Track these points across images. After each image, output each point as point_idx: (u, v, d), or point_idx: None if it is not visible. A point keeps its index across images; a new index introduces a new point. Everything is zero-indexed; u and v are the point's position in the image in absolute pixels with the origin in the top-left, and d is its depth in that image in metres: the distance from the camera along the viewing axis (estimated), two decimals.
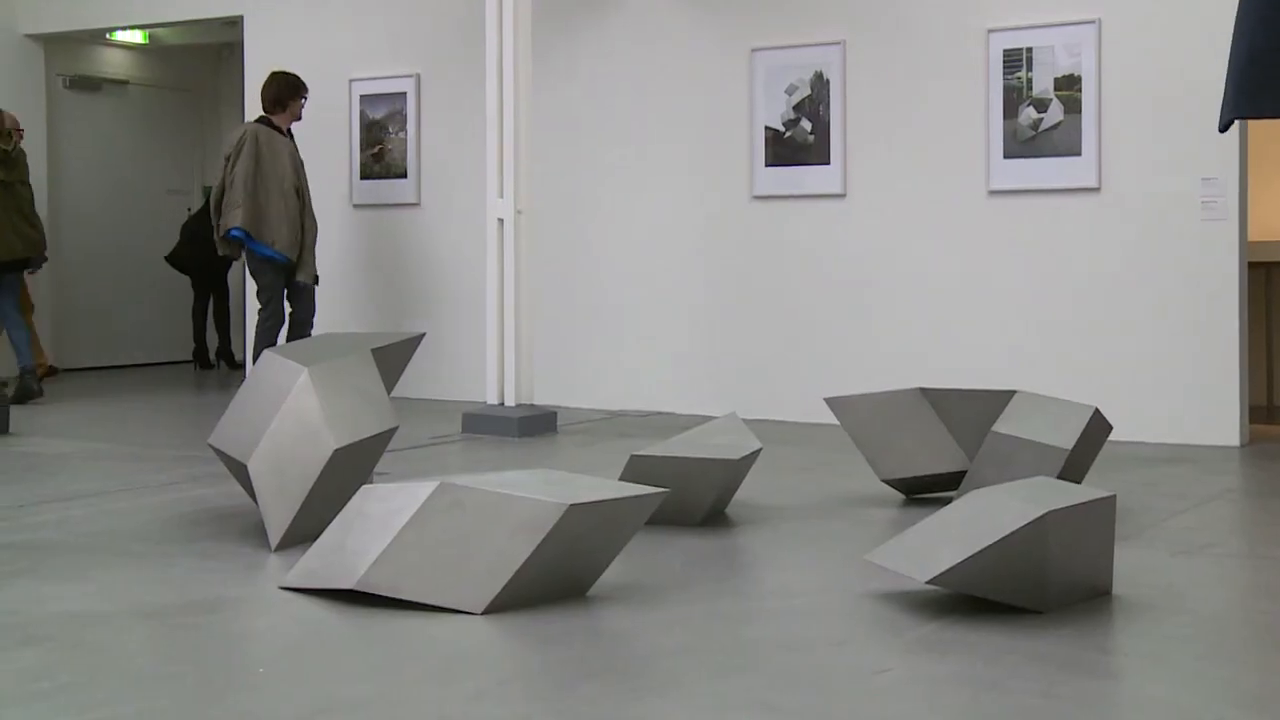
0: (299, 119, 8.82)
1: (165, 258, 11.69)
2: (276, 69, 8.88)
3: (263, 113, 8.73)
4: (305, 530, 4.55)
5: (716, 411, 7.51)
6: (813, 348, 8.15)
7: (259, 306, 8.61)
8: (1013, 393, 5.36)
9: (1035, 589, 3.76)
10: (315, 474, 4.58)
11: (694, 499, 4.97)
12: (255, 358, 8.54)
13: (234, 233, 8.41)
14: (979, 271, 7.71)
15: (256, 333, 8.59)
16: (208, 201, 12.02)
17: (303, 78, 9.16)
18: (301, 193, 8.65)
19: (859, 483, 5.83)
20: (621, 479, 4.74)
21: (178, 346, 12.25)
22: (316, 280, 8.74)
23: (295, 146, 8.75)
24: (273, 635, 3.76)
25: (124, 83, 12.16)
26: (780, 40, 8.24)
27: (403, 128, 9.51)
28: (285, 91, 8.71)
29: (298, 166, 8.66)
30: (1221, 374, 7.14)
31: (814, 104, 8.12)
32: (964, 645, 3.49)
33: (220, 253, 8.70)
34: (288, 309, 8.64)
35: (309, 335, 8.38)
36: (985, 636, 3.55)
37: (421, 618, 3.73)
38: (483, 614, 3.74)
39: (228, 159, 8.53)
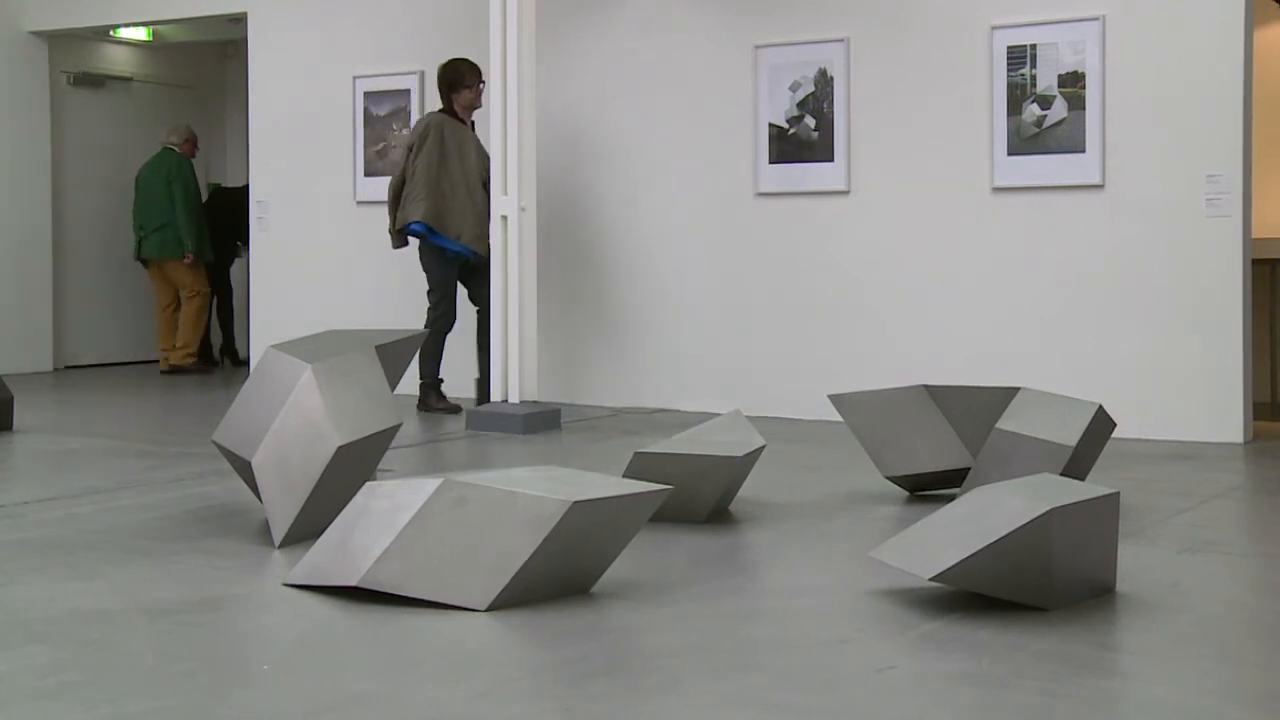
0: (478, 107, 8.38)
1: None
2: (452, 57, 8.46)
3: (441, 105, 8.42)
4: (309, 527, 4.56)
5: (720, 409, 7.51)
6: (816, 345, 8.14)
7: (430, 307, 8.27)
8: (1016, 389, 5.36)
9: (1039, 586, 3.76)
10: (319, 471, 4.58)
11: (698, 496, 4.97)
12: (427, 360, 8.29)
13: (414, 227, 8.16)
14: (982, 268, 7.70)
15: (428, 336, 8.20)
16: (211, 198, 12.07)
17: (300, 74, 9.17)
18: (489, 185, 8.13)
19: (863, 480, 5.83)
20: (625, 476, 4.74)
21: None
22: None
23: (478, 138, 8.40)
24: (277, 632, 3.77)
25: (128, 80, 12.16)
26: (784, 37, 8.23)
27: (406, 125, 9.50)
28: (444, 85, 8.36)
29: (484, 158, 8.26)
30: (1225, 371, 7.14)
31: (818, 101, 8.12)
32: (968, 643, 3.50)
33: (394, 246, 8.43)
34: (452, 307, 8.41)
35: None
36: (989, 634, 3.56)
37: (425, 615, 3.73)
38: (486, 611, 3.74)
39: (409, 150, 8.27)
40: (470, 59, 8.39)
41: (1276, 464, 6.57)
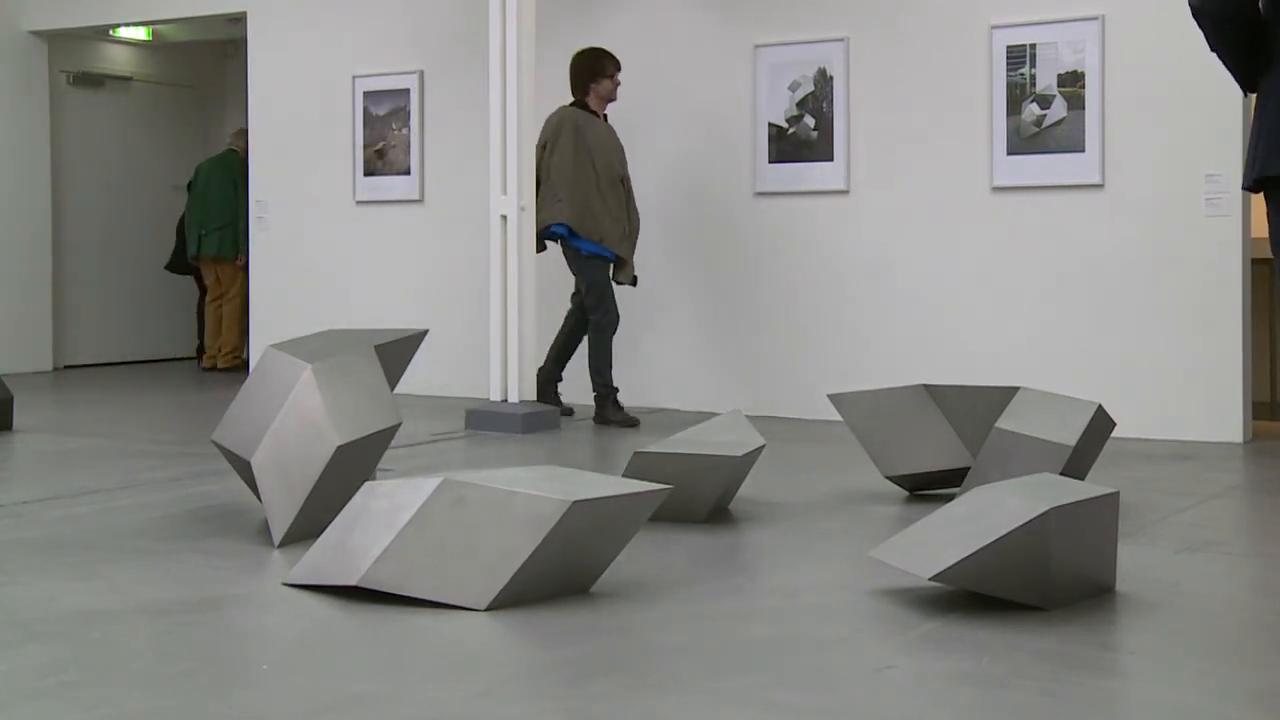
0: (612, 100, 7.97)
1: (165, 267, 11.76)
2: (584, 47, 8.05)
3: (574, 97, 7.94)
4: (309, 527, 4.56)
5: (720, 408, 7.51)
6: (816, 344, 8.15)
7: (590, 311, 7.77)
8: (1016, 389, 5.36)
9: (1038, 586, 3.76)
10: (318, 471, 4.58)
11: (697, 496, 4.97)
12: (599, 370, 7.76)
13: (556, 229, 7.68)
14: (982, 268, 7.70)
15: (592, 339, 7.80)
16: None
17: (300, 74, 9.11)
18: (625, 182, 7.88)
19: (862, 479, 5.83)
20: (625, 476, 4.74)
21: (181, 343, 12.25)
22: (634, 281, 7.93)
23: (614, 131, 7.94)
24: (277, 632, 3.77)
25: (127, 79, 12.16)
26: (784, 36, 8.23)
27: (406, 124, 9.51)
28: (584, 73, 7.89)
29: (620, 153, 7.88)
30: (1224, 370, 7.14)
31: (817, 100, 8.12)
32: (967, 642, 3.50)
33: (534, 251, 7.81)
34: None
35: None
36: (989, 634, 3.56)
37: (425, 614, 3.73)
38: (486, 610, 3.74)
39: (542, 148, 7.79)
40: (606, 49, 8.01)
41: (1276, 464, 6.57)
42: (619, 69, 7.96)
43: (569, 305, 8.11)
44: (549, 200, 7.73)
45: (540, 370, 7.95)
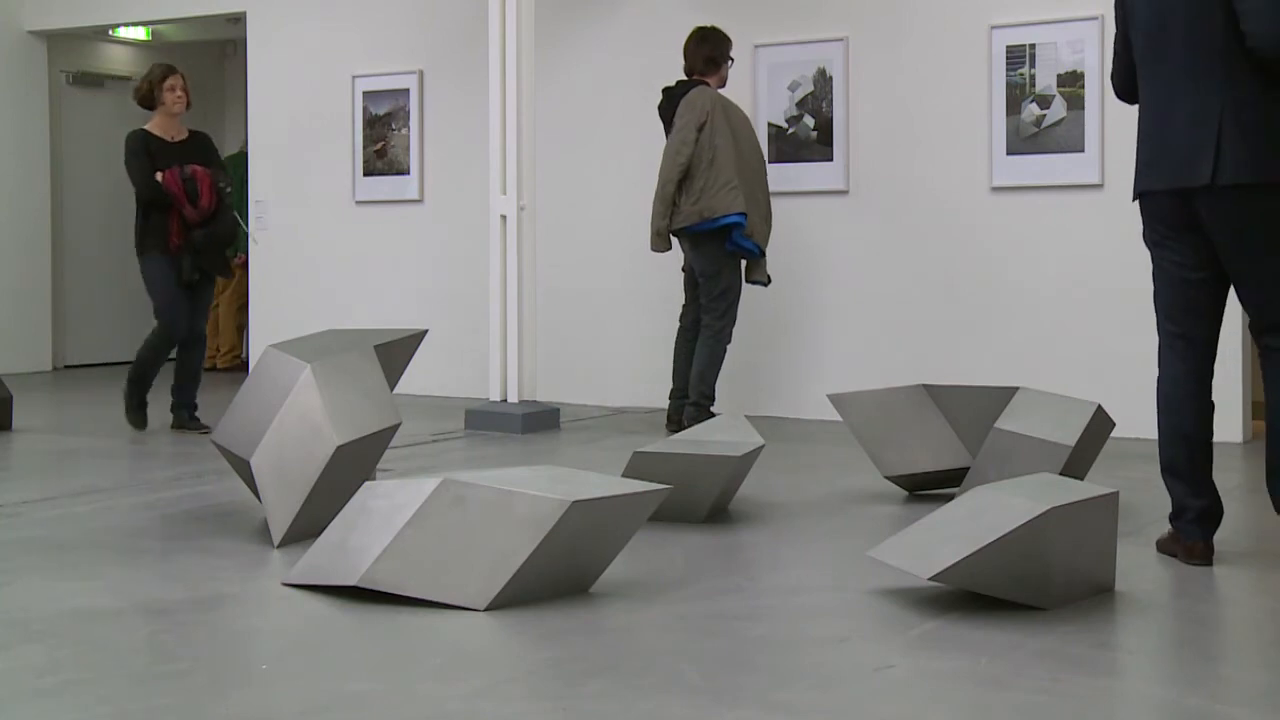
0: (724, 85, 7.56)
1: None
2: (703, 24, 7.64)
3: (693, 75, 7.45)
4: (308, 527, 4.56)
5: (719, 408, 7.51)
6: (815, 344, 8.14)
7: (715, 316, 7.36)
8: (1015, 389, 5.36)
9: (1038, 586, 3.76)
10: (318, 471, 4.58)
11: (697, 496, 4.97)
12: (708, 378, 7.30)
13: (736, 218, 7.03)
14: (981, 268, 7.70)
15: (710, 346, 7.36)
16: None
17: (299, 74, 9.07)
18: (765, 174, 7.39)
19: (862, 479, 5.83)
20: (624, 476, 4.74)
21: None
22: (769, 280, 7.51)
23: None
24: (276, 632, 3.77)
25: (127, 79, 12.14)
26: (783, 36, 8.23)
27: (405, 124, 9.51)
28: (703, 53, 7.41)
29: (757, 142, 7.45)
30: (1224, 370, 7.08)
31: (817, 100, 8.12)
32: (967, 642, 3.50)
33: (661, 249, 7.31)
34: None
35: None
36: (988, 633, 3.56)
37: (424, 614, 3.74)
38: (485, 610, 3.75)
39: (700, 129, 7.12)
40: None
41: None
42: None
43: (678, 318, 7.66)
44: (721, 187, 7.07)
45: (679, 404, 7.45)
